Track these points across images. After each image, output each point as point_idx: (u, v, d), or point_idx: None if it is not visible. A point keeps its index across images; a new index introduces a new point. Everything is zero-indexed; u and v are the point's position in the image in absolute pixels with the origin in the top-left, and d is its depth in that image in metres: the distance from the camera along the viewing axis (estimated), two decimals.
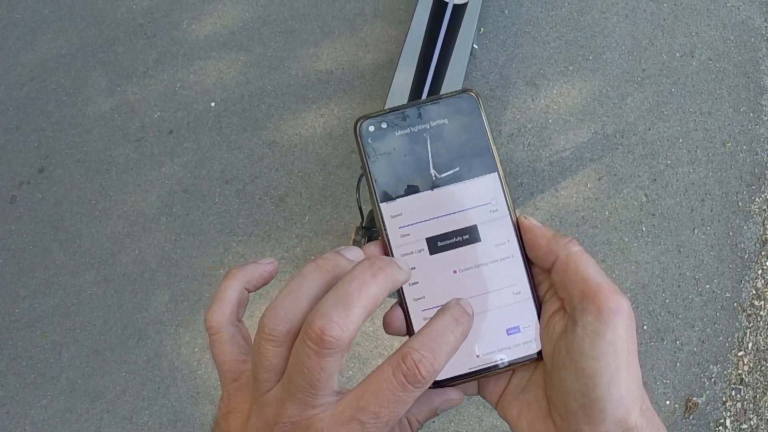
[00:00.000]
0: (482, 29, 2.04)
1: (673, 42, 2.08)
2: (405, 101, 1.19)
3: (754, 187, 1.95)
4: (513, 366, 0.36)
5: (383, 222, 0.37)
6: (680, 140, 1.97)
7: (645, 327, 1.79)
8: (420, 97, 1.13)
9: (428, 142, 0.37)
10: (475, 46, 1.90)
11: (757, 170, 1.97)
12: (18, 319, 1.82)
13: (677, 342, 1.79)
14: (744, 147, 1.99)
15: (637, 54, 2.05)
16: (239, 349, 0.35)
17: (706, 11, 2.15)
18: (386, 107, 1.67)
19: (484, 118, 0.37)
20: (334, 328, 0.29)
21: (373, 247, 0.37)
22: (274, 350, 0.31)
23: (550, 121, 1.96)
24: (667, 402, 1.74)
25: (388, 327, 0.36)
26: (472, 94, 0.38)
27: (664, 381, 1.76)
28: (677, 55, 2.06)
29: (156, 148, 1.95)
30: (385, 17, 2.08)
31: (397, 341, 1.51)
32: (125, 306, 1.82)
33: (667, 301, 1.82)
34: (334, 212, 1.85)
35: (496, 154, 0.37)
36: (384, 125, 0.37)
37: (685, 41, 2.09)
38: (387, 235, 0.37)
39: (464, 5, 0.96)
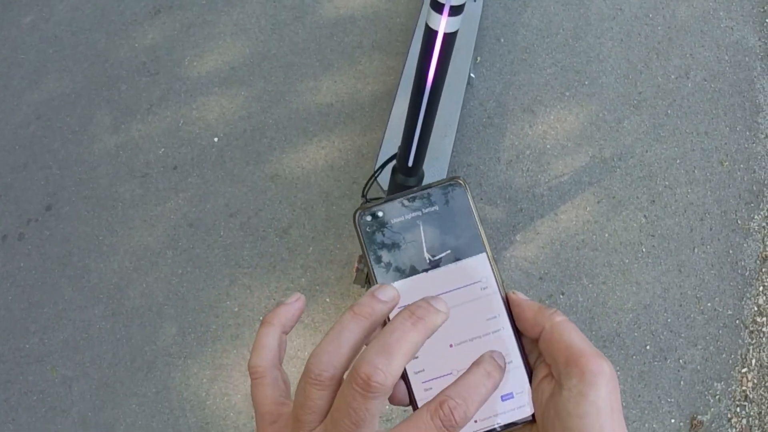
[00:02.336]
0: (479, 58, 2.07)
1: (668, 64, 2.11)
2: (404, 127, 1.22)
3: (752, 205, 1.97)
4: (509, 429, 0.39)
5: None
6: (678, 161, 1.99)
7: (648, 347, 1.80)
8: (417, 122, 1.16)
9: (422, 228, 0.40)
10: (472, 75, 1.93)
11: (755, 188, 1.99)
12: (28, 354, 1.84)
13: (680, 361, 1.80)
14: (741, 165, 2.01)
15: (632, 77, 2.08)
16: (279, 392, 0.38)
17: (700, 32, 2.18)
18: (384, 139, 1.71)
19: (471, 202, 0.41)
20: (378, 374, 0.31)
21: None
22: (319, 393, 0.34)
23: (548, 146, 1.99)
24: (672, 421, 1.74)
25: (392, 399, 0.38)
26: (459, 181, 0.41)
27: (669, 400, 1.76)
28: (672, 77, 2.09)
29: (161, 184, 1.98)
30: (382, 49, 2.11)
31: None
32: (134, 339, 1.84)
33: (669, 320, 1.83)
34: (338, 242, 1.88)
35: (484, 236, 0.40)
36: (380, 214, 0.40)
37: (680, 63, 2.12)
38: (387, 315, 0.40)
39: (455, 33, 0.98)
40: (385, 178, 1.56)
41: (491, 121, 2.01)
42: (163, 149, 2.03)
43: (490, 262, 0.40)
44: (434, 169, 1.68)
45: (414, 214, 0.40)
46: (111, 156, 2.03)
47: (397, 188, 1.34)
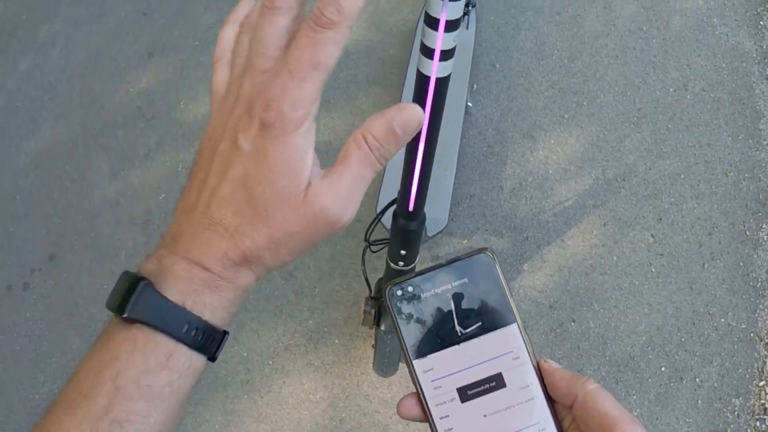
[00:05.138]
0: (475, 86, 2.06)
1: (665, 77, 2.09)
2: (402, 166, 1.21)
3: (760, 215, 1.95)
4: None
5: (417, 376, 0.40)
6: (682, 176, 1.97)
7: (663, 368, 1.78)
8: (414, 168, 1.15)
9: (452, 300, 0.41)
10: (469, 104, 1.92)
11: (761, 197, 1.97)
12: (38, 404, 1.83)
13: (697, 380, 1.78)
14: (746, 175, 1.99)
15: (630, 94, 2.06)
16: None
17: (696, 42, 2.16)
18: (383, 181, 1.69)
19: (500, 273, 0.41)
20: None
21: (411, 399, 0.40)
22: (277, 20, 0.36)
23: (550, 171, 1.97)
24: None
25: None
26: (488, 253, 0.41)
27: (687, 420, 1.74)
28: (671, 90, 2.08)
29: (163, 230, 1.95)
30: (378, 82, 2.10)
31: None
32: None
33: (683, 339, 1.81)
34: (343, 282, 1.86)
35: (513, 306, 0.41)
36: (410, 289, 0.41)
37: (678, 75, 2.10)
38: (421, 388, 0.40)
39: (447, 77, 0.96)
40: (388, 218, 1.54)
41: (491, 149, 2.00)
42: (163, 195, 2.02)
43: (521, 332, 0.41)
44: (436, 204, 1.66)
45: (444, 287, 0.41)
46: (111, 203, 2.02)
47: (399, 232, 1.33)
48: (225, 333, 0.39)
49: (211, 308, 0.37)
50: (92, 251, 1.97)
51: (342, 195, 0.36)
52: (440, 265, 0.41)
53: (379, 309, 1.45)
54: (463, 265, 0.41)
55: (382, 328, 1.44)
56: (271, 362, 1.80)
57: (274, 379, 1.79)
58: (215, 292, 0.37)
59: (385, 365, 1.59)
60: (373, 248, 1.49)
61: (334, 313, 1.84)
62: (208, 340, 0.37)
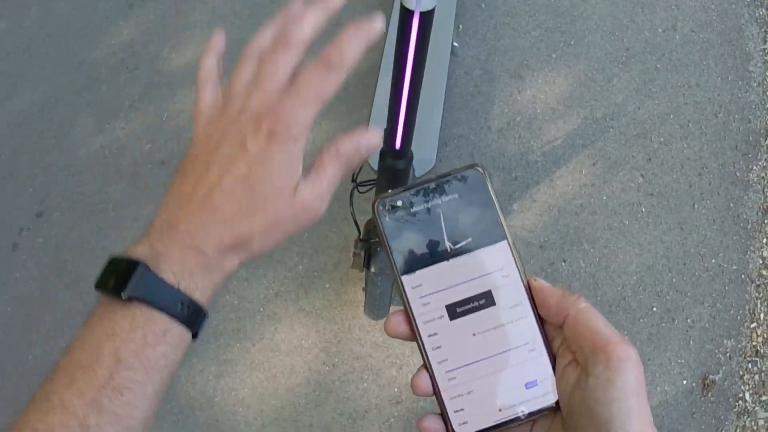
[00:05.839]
0: (461, 26, 2.03)
1: (654, 17, 2.07)
2: (387, 109, 1.19)
3: (750, 156, 1.94)
4: (533, 417, 0.39)
5: (405, 293, 0.40)
6: (671, 116, 1.96)
7: (654, 309, 1.78)
8: (400, 105, 1.14)
9: (442, 216, 0.40)
10: (455, 44, 1.89)
11: (751, 138, 1.96)
12: (32, 365, 1.83)
13: (688, 320, 1.78)
14: (736, 116, 1.98)
15: (619, 34, 2.04)
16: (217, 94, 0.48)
17: None
18: (371, 119, 1.67)
19: (491, 190, 0.41)
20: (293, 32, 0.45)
21: (399, 316, 0.41)
22: (249, 64, 0.47)
23: (538, 111, 1.96)
24: (684, 382, 1.73)
25: (416, 389, 0.40)
26: (479, 168, 0.41)
27: (679, 361, 1.75)
28: (659, 30, 2.05)
29: (150, 181, 1.95)
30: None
31: (408, 349, 1.50)
32: None
33: (674, 280, 1.81)
34: (333, 227, 1.85)
35: (504, 223, 0.41)
36: (400, 203, 0.41)
37: (666, 15, 2.07)
38: (409, 304, 0.40)
39: (432, 11, 0.94)
40: (374, 158, 1.53)
41: (479, 89, 1.98)
42: (149, 145, 2.00)
43: (511, 250, 0.40)
44: (424, 144, 1.65)
45: (434, 202, 0.41)
46: (97, 158, 2.00)
47: (386, 171, 1.32)
48: (206, 314, 0.44)
49: (201, 289, 0.42)
50: (79, 207, 1.95)
51: (321, 192, 0.43)
52: (430, 180, 0.41)
53: (368, 251, 1.45)
54: (453, 180, 0.41)
55: (372, 270, 1.43)
56: (262, 309, 1.80)
57: (265, 327, 1.78)
58: (206, 274, 0.42)
59: (376, 308, 1.58)
60: (361, 189, 1.48)
61: (323, 258, 1.83)
62: (195, 318, 0.42)
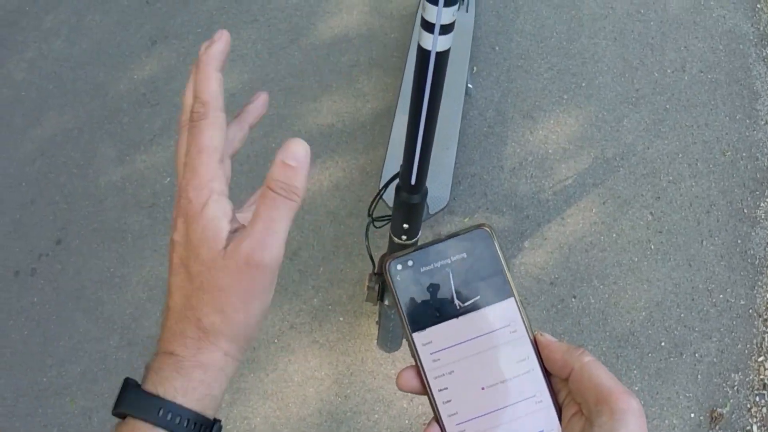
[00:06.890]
0: (475, 68, 2.08)
1: (663, 59, 2.11)
2: (404, 145, 1.23)
3: (757, 193, 1.97)
4: None
5: (416, 349, 0.41)
6: (680, 155, 1.99)
7: (663, 343, 1.80)
8: (417, 140, 1.17)
9: (451, 275, 0.42)
10: (469, 85, 1.94)
11: (759, 175, 1.99)
12: (47, 387, 1.86)
13: (696, 355, 1.80)
14: (744, 154, 2.01)
15: (629, 75, 2.09)
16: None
17: (693, 24, 2.18)
18: (388, 154, 1.72)
19: (498, 249, 0.42)
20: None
21: (410, 372, 0.42)
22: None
23: (549, 151, 2.00)
24: (692, 415, 1.74)
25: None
26: (485, 228, 0.42)
27: (687, 395, 1.76)
28: (668, 71, 2.10)
29: (169, 213, 2.00)
30: (380, 65, 2.13)
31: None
32: None
33: (682, 315, 1.83)
34: (348, 261, 1.89)
35: (511, 280, 0.42)
36: (410, 263, 0.42)
37: (675, 56, 2.12)
38: (420, 360, 0.41)
39: (447, 51, 0.99)
40: (390, 195, 1.57)
41: (492, 130, 2.02)
42: (168, 179, 2.05)
43: (518, 306, 0.42)
44: (438, 182, 1.69)
45: (443, 262, 0.42)
46: (117, 188, 2.04)
47: (401, 206, 1.35)
48: (215, 420, 0.43)
49: (182, 392, 0.41)
50: (99, 235, 1.99)
51: (256, 238, 0.39)
52: (439, 240, 0.42)
53: (382, 284, 1.47)
54: (461, 240, 0.42)
55: (386, 302, 1.45)
56: (276, 340, 1.83)
57: (279, 357, 1.81)
58: (182, 375, 0.41)
59: (389, 340, 1.61)
60: (377, 224, 1.50)
61: (338, 291, 1.86)
62: (194, 426, 0.41)
